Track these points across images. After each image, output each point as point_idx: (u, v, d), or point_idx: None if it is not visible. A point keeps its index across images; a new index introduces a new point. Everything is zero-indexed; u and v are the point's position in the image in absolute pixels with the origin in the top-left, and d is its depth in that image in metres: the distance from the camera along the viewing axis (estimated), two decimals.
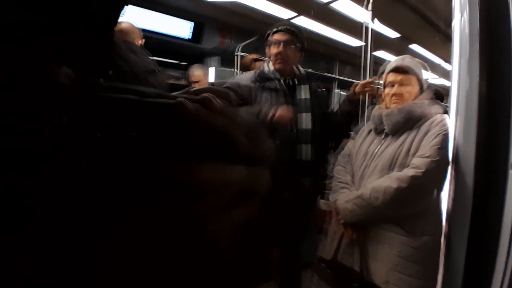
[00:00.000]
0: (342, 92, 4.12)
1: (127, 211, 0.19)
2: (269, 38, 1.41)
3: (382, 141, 1.23)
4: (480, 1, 0.76)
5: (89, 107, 0.18)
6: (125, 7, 0.31)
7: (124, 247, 0.19)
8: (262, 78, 1.40)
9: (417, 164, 1.09)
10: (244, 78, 1.49)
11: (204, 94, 0.20)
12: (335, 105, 3.21)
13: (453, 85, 0.93)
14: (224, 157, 0.20)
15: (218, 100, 0.20)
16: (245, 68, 2.02)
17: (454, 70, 0.93)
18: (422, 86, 1.24)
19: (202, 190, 0.20)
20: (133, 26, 1.49)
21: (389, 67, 1.26)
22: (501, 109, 0.71)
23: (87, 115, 0.18)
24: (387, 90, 1.25)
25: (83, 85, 0.19)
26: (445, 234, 0.92)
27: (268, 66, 1.43)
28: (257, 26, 2.65)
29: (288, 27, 1.38)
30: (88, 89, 0.19)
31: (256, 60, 1.96)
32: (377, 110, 1.28)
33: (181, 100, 0.19)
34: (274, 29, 1.40)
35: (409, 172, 1.09)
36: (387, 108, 1.24)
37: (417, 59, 1.30)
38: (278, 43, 1.38)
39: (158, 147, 0.19)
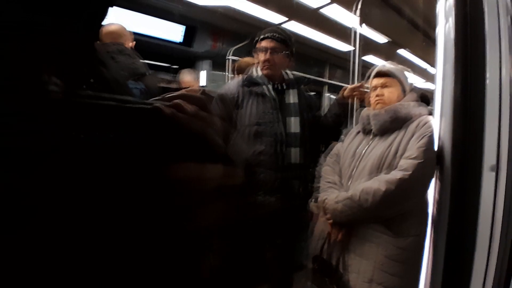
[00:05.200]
0: (332, 96, 4.17)
1: (112, 209, 0.19)
2: (257, 45, 1.43)
3: (370, 142, 1.26)
4: (456, 7, 0.78)
5: (74, 112, 0.19)
6: (109, 10, 0.32)
7: (116, 246, 0.20)
8: (250, 82, 1.42)
9: (405, 166, 1.11)
10: (232, 84, 1.51)
11: (176, 101, 0.21)
12: (325, 108, 3.25)
13: (437, 88, 0.96)
14: (200, 156, 0.21)
15: (189, 105, 0.21)
16: (241, 71, 2.02)
17: (438, 74, 0.96)
18: (405, 88, 1.29)
19: (180, 187, 0.21)
20: (124, 28, 1.49)
21: (373, 73, 1.32)
22: (475, 112, 0.74)
23: (72, 119, 0.18)
24: (372, 93, 1.31)
25: (70, 90, 0.20)
26: (430, 235, 0.94)
27: (256, 71, 1.45)
28: (248, 30, 2.68)
29: (275, 34, 1.40)
30: (73, 97, 0.19)
31: None
32: (365, 111, 1.32)
33: (158, 105, 0.21)
34: (262, 36, 1.41)
35: (397, 174, 1.11)
36: (374, 110, 1.28)
37: (400, 66, 1.35)
38: (265, 50, 1.40)
39: (138, 148, 0.20)
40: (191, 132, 0.22)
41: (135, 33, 1.61)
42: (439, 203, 0.89)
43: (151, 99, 0.22)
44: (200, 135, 0.22)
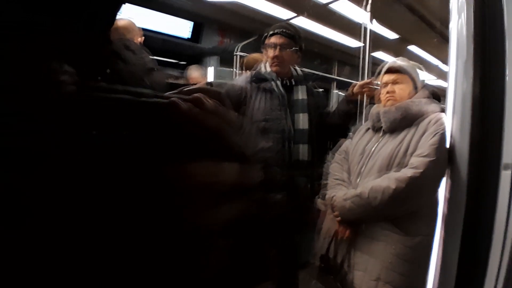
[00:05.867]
0: (340, 93, 4.13)
1: (123, 210, 0.19)
2: (266, 41, 1.42)
3: (380, 139, 1.24)
4: (475, 3, 0.76)
5: (86, 107, 0.18)
6: (123, 6, 0.31)
7: (120, 246, 0.19)
8: (258, 78, 1.41)
9: (416, 164, 1.09)
10: (240, 79, 1.50)
11: (195, 94, 0.21)
12: (333, 105, 3.23)
13: (450, 85, 0.94)
14: (216, 154, 0.21)
15: (208, 100, 0.21)
16: (249, 67, 2.03)
17: (451, 71, 0.94)
18: (416, 85, 1.27)
19: (195, 187, 0.20)
20: (133, 24, 1.49)
21: (384, 69, 1.30)
22: (494, 110, 0.72)
23: (84, 114, 0.18)
24: (382, 90, 1.29)
25: (84, 85, 0.19)
26: (440, 234, 0.93)
27: (265, 67, 1.44)
28: (256, 26, 2.66)
29: (284, 30, 1.38)
30: (87, 90, 0.19)
31: None
32: (375, 108, 1.30)
33: (174, 100, 0.20)
34: (271, 32, 1.40)
35: (407, 172, 1.10)
36: (384, 107, 1.26)
37: (411, 61, 1.32)
38: (274, 46, 1.39)
39: (153, 145, 0.20)
40: (210, 128, 0.21)
41: (143, 29, 1.61)
42: (451, 202, 0.88)
43: (167, 93, 0.22)
44: (218, 132, 0.21)
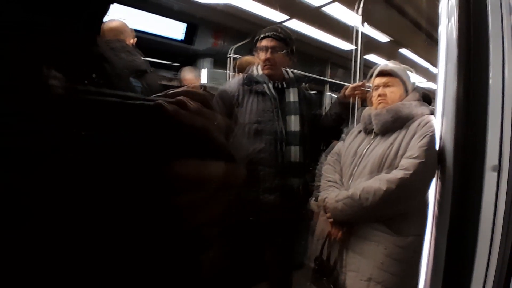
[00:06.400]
0: (333, 95, 4.17)
1: (113, 209, 0.19)
2: (257, 44, 1.42)
3: (371, 141, 1.25)
4: (459, 7, 0.78)
5: (75, 109, 0.18)
6: (114, 7, 0.31)
7: (115, 246, 0.19)
8: (250, 81, 1.42)
9: (406, 165, 1.11)
10: (232, 82, 1.51)
11: (178, 97, 0.21)
12: (327, 107, 3.26)
13: (439, 88, 0.96)
14: (203, 154, 0.21)
15: (192, 102, 0.21)
16: (242, 69, 2.03)
17: (440, 73, 0.96)
18: (407, 88, 1.28)
19: (182, 185, 0.20)
20: (126, 25, 1.48)
21: (375, 72, 1.31)
22: (477, 112, 0.74)
23: (74, 116, 0.18)
24: (374, 93, 1.30)
25: (78, 86, 0.19)
26: (431, 234, 0.94)
27: (257, 70, 1.44)
28: (250, 28, 2.67)
29: (275, 33, 1.39)
30: (80, 91, 0.19)
31: None
32: (367, 111, 1.31)
33: (159, 102, 0.20)
34: (262, 35, 1.41)
35: (398, 174, 1.11)
36: (376, 109, 1.28)
37: (402, 65, 1.34)
38: (266, 49, 1.39)
39: (140, 146, 0.20)
40: (194, 130, 0.21)
41: (136, 31, 1.61)
42: (440, 202, 0.89)
43: (152, 96, 0.22)
44: (203, 133, 0.22)
